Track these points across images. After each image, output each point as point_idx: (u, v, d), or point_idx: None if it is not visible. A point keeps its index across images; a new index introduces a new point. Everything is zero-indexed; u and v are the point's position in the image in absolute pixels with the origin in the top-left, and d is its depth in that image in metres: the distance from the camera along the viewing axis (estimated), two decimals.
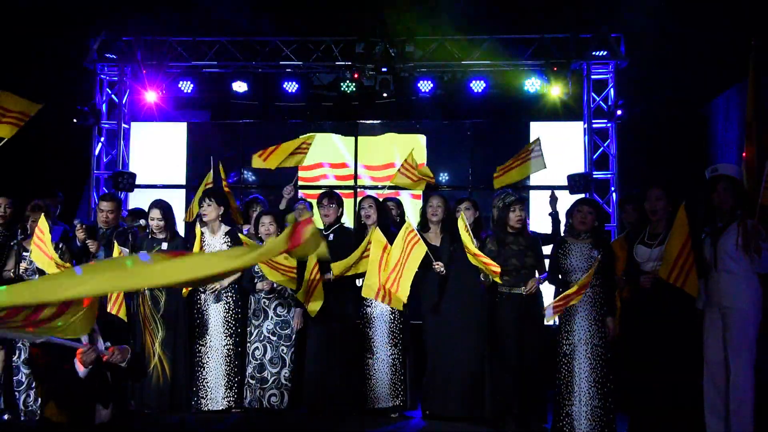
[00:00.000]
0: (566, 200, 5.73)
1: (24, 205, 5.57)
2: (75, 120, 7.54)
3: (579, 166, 7.76)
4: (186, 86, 7.89)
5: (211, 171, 6.46)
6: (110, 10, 7.47)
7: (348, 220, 5.80)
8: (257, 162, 6.14)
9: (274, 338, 5.41)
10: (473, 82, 7.71)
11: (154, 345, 5.33)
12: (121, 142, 8.00)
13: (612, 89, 7.73)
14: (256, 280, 5.44)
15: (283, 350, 5.42)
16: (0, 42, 7.00)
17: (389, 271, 4.92)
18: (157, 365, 4.67)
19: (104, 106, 8.03)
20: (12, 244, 5.30)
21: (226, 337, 5.44)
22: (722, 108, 7.20)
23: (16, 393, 5.20)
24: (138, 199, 7.70)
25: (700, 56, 6.94)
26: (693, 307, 4.51)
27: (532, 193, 7.88)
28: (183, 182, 8.20)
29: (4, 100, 5.60)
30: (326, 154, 8.33)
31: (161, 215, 5.46)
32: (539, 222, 6.39)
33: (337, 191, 5.89)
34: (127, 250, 5.05)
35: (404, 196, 7.73)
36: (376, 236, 5.04)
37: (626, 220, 5.61)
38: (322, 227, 5.75)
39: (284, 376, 5.40)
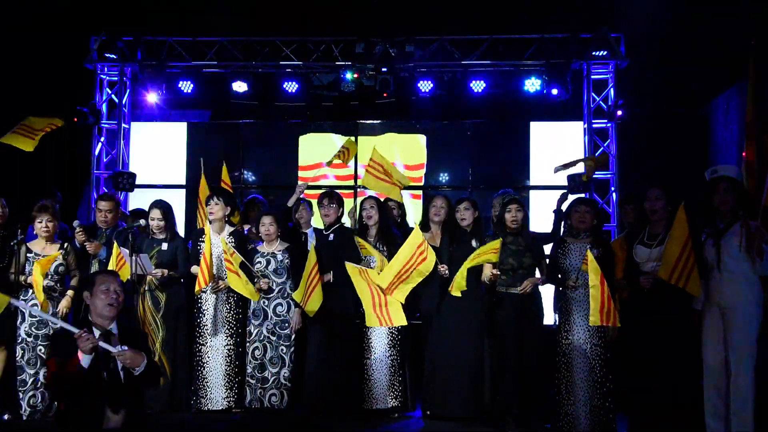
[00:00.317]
0: (566, 200, 5.73)
1: (23, 204, 5.56)
2: (75, 120, 7.53)
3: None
4: (186, 86, 7.88)
5: (203, 174, 6.33)
6: (110, 10, 7.47)
7: (348, 220, 5.78)
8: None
9: (274, 338, 5.42)
10: (473, 82, 7.70)
11: (155, 345, 5.36)
12: (121, 142, 7.99)
13: (612, 89, 7.72)
14: (255, 280, 5.44)
15: (282, 350, 5.42)
16: (0, 42, 7.00)
17: (391, 277, 4.83)
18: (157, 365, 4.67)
19: (104, 106, 8.01)
20: (12, 244, 5.30)
21: (227, 337, 5.44)
22: (722, 108, 7.21)
23: (19, 393, 5.20)
24: (138, 199, 7.69)
25: (700, 56, 6.94)
26: (692, 307, 4.52)
27: (532, 193, 7.88)
28: (183, 182, 8.20)
29: (31, 122, 5.77)
30: (326, 154, 8.31)
31: (161, 215, 5.47)
32: (539, 222, 6.38)
33: (337, 191, 5.88)
34: (127, 251, 5.05)
35: (404, 196, 7.73)
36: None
37: (626, 220, 5.61)
38: (319, 227, 5.76)
39: (284, 375, 5.40)
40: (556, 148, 7.92)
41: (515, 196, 5.13)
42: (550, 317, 5.27)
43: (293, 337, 5.45)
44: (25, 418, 5.18)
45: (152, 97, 7.74)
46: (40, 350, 5.23)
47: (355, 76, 7.50)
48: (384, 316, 4.84)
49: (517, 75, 7.74)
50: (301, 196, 5.89)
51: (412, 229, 5.50)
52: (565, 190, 5.91)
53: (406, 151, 8.21)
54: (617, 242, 5.43)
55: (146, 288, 5.45)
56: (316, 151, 8.28)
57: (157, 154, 8.22)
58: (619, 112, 7.53)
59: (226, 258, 5.22)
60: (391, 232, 5.35)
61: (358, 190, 8.12)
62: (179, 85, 7.87)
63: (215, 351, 5.44)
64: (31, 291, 5.24)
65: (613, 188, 7.74)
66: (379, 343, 5.33)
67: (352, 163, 8.24)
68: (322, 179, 8.13)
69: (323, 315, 5.25)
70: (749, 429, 4.21)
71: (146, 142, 8.23)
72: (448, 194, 5.76)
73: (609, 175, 7.80)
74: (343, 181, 8.17)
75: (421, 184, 8.16)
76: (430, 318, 5.27)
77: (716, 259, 4.37)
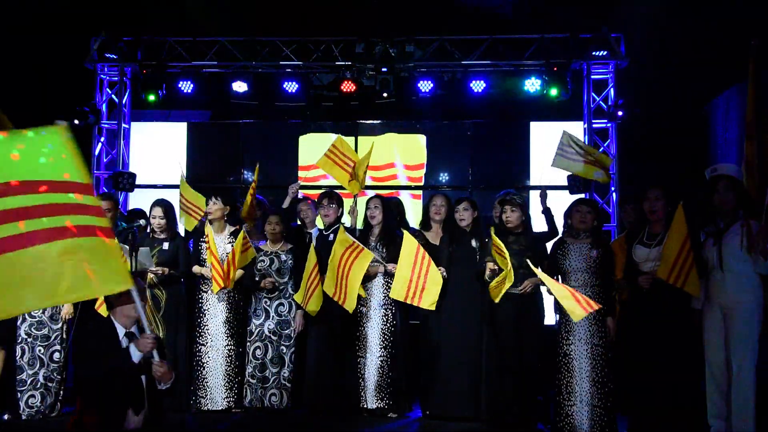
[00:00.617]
0: (566, 200, 5.73)
1: None
2: (75, 120, 7.53)
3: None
4: (186, 86, 7.88)
5: (257, 169, 6.27)
6: (110, 10, 7.47)
7: (348, 220, 5.78)
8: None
9: (275, 338, 5.42)
10: (473, 82, 7.70)
11: None
12: (121, 142, 8.00)
13: (612, 89, 7.72)
14: (257, 278, 5.45)
15: (283, 350, 5.42)
16: (0, 42, 7.00)
17: (335, 280, 4.96)
18: None
19: (104, 106, 8.02)
20: None
21: (228, 337, 5.44)
22: (722, 108, 7.20)
23: (18, 393, 5.20)
24: (138, 199, 7.70)
25: (700, 56, 6.93)
26: (692, 307, 4.52)
27: (532, 193, 7.87)
28: None
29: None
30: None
31: (163, 214, 5.47)
32: (540, 222, 6.38)
33: (337, 191, 5.88)
34: (127, 247, 5.06)
35: (404, 196, 7.74)
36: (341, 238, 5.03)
37: (626, 220, 5.61)
38: (322, 227, 5.76)
39: (284, 375, 5.40)
40: (556, 148, 7.91)
41: (506, 197, 5.07)
42: (550, 317, 5.27)
43: (294, 337, 5.45)
44: (24, 418, 5.18)
45: (152, 97, 7.73)
46: (40, 350, 5.24)
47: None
48: (416, 296, 4.87)
49: (517, 75, 7.74)
50: (301, 196, 5.88)
51: (413, 229, 5.51)
52: (543, 189, 5.84)
53: (406, 151, 8.21)
54: (617, 242, 5.44)
55: (146, 286, 5.44)
56: (316, 151, 8.22)
57: (157, 154, 8.22)
58: (620, 113, 7.54)
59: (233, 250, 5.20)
60: (394, 232, 5.35)
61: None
62: (179, 85, 7.87)
63: (215, 351, 5.44)
64: None
65: (613, 188, 7.74)
66: (373, 343, 5.32)
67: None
68: (322, 179, 8.13)
69: (323, 315, 5.25)
70: (750, 429, 4.21)
71: (146, 142, 8.23)
72: (448, 194, 5.75)
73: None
74: None
75: (421, 184, 8.16)
76: (430, 318, 5.26)
77: (717, 258, 4.37)
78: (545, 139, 8.01)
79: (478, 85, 7.71)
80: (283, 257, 5.48)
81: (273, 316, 5.44)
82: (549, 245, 5.16)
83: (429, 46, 7.69)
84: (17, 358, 5.24)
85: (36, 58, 7.32)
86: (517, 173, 8.08)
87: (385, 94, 7.72)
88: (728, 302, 4.34)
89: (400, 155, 8.16)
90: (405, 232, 4.99)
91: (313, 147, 8.30)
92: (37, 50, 7.29)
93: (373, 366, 5.30)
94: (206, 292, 5.47)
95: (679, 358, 4.45)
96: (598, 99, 7.80)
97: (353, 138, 8.25)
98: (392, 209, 5.60)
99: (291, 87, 7.87)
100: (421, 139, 8.26)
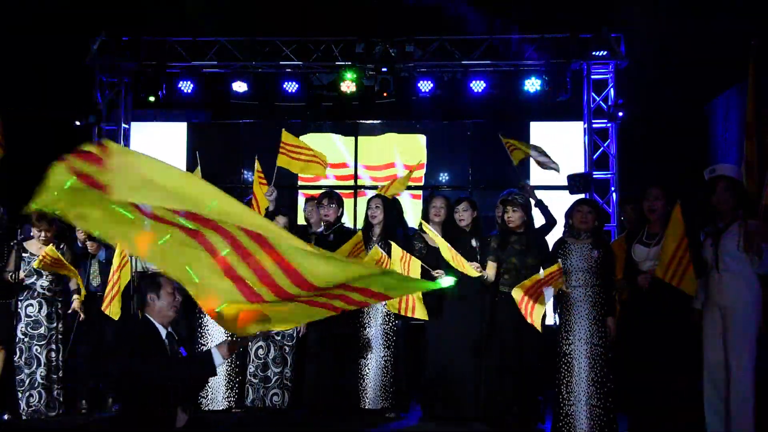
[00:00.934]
0: (566, 200, 5.73)
1: (23, 204, 5.54)
2: (75, 120, 7.54)
3: (579, 166, 7.76)
4: (186, 86, 7.88)
5: (198, 168, 6.31)
6: (110, 10, 7.47)
7: (348, 220, 5.78)
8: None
9: (278, 337, 5.42)
10: (473, 82, 7.70)
11: None
12: (121, 142, 7.99)
13: (612, 89, 7.73)
14: None
15: (285, 350, 5.43)
16: (0, 42, 7.00)
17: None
18: None
19: (104, 106, 8.02)
20: (12, 244, 5.30)
21: (226, 337, 5.43)
22: (722, 108, 7.20)
23: (18, 393, 5.20)
24: None
25: (700, 56, 6.93)
26: (692, 307, 4.52)
27: None
28: None
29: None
30: (326, 154, 8.30)
31: None
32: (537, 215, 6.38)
33: (337, 191, 5.88)
34: None
35: (404, 196, 7.73)
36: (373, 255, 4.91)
37: (626, 220, 5.61)
38: (322, 228, 5.76)
39: (286, 375, 5.41)
40: (556, 148, 7.91)
41: (508, 197, 5.07)
42: (550, 317, 5.27)
43: (296, 337, 5.45)
44: (24, 417, 5.18)
45: (152, 97, 7.74)
46: (36, 350, 5.24)
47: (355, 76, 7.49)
48: (409, 307, 4.80)
49: (517, 75, 7.74)
50: (301, 196, 5.88)
51: (412, 229, 5.52)
52: (522, 182, 5.80)
53: (406, 151, 8.21)
54: (617, 242, 5.43)
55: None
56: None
57: (157, 154, 8.19)
58: (620, 113, 7.54)
59: None
60: (395, 232, 5.35)
61: (358, 190, 8.12)
62: (179, 85, 7.87)
63: None
64: (26, 292, 5.26)
65: (613, 188, 7.75)
66: (375, 343, 5.32)
67: (352, 162, 8.26)
68: (321, 179, 8.13)
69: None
70: (749, 428, 4.21)
71: (146, 142, 8.23)
72: (447, 194, 5.75)
73: (609, 175, 7.80)
74: (343, 181, 8.17)
75: (421, 184, 8.17)
76: (430, 318, 5.26)
77: (714, 258, 4.37)
78: (545, 139, 8.00)
79: (478, 85, 7.71)
80: None
81: None
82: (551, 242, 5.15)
83: (429, 46, 7.69)
84: (15, 358, 5.24)
85: (36, 58, 7.32)
86: (517, 173, 8.07)
87: (385, 94, 7.72)
88: (726, 302, 4.34)
89: (400, 155, 8.16)
90: (393, 244, 4.85)
91: (313, 147, 8.28)
92: (37, 50, 7.29)
93: (376, 366, 5.30)
94: None
95: (678, 358, 4.44)
96: (598, 99, 7.81)
97: (353, 138, 8.26)
98: (393, 209, 5.60)
99: (291, 87, 7.88)
100: (421, 139, 8.27)
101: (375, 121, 8.30)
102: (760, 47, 5.28)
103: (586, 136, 7.80)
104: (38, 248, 5.31)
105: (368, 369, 5.31)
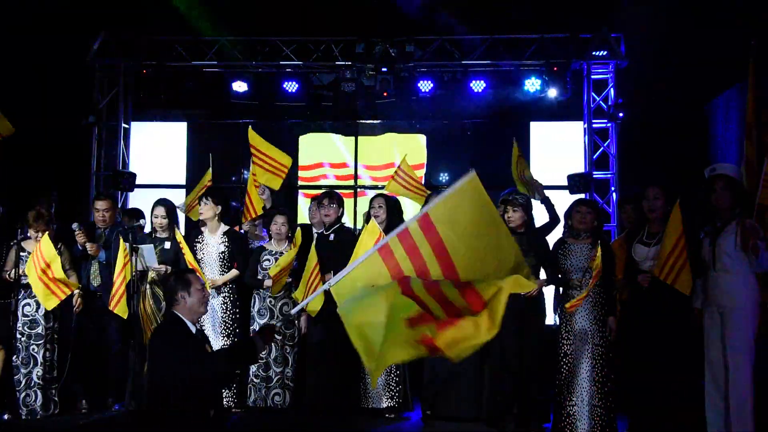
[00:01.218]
0: (566, 200, 5.72)
1: (23, 204, 5.55)
2: (75, 120, 7.53)
3: (579, 166, 7.76)
4: (186, 86, 7.88)
5: (210, 169, 6.44)
6: (110, 10, 7.47)
7: (348, 220, 5.79)
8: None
9: (279, 337, 5.41)
10: (473, 82, 7.70)
11: None
12: (121, 142, 7.99)
13: (612, 89, 7.73)
14: (260, 276, 5.44)
15: (287, 350, 5.43)
16: (1, 42, 6.99)
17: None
18: None
19: (104, 106, 8.02)
20: (12, 244, 5.30)
21: (224, 338, 5.42)
22: (722, 108, 7.20)
23: (17, 392, 5.19)
24: (138, 199, 7.70)
25: (700, 56, 6.93)
26: (692, 306, 4.52)
27: None
28: (183, 182, 8.20)
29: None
30: (326, 154, 8.34)
31: (165, 213, 5.48)
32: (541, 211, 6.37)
33: (337, 191, 5.88)
34: (127, 244, 5.07)
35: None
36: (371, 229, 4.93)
37: (626, 220, 5.60)
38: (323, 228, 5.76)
39: (288, 375, 5.41)
40: (556, 148, 7.92)
41: (509, 197, 5.06)
42: (550, 317, 5.27)
43: (297, 337, 5.45)
44: (23, 417, 5.18)
45: (152, 97, 7.74)
46: (33, 349, 5.24)
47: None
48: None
49: (517, 75, 7.74)
50: (301, 196, 5.88)
51: None
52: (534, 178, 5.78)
53: (406, 151, 8.19)
54: (617, 242, 5.44)
55: (147, 284, 5.43)
56: (316, 151, 8.29)
57: (157, 154, 8.22)
58: (620, 113, 7.54)
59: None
60: None
61: (358, 190, 8.12)
62: (179, 85, 7.87)
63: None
64: (24, 291, 5.26)
65: (613, 188, 7.75)
66: None
67: (352, 162, 8.26)
68: (322, 179, 8.14)
69: (324, 314, 5.24)
70: (749, 427, 4.21)
71: (146, 142, 8.24)
72: None
73: (609, 175, 7.80)
74: (343, 181, 8.17)
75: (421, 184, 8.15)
76: None
77: (712, 258, 4.37)
78: (545, 139, 8.02)
79: (478, 85, 7.71)
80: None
81: (277, 316, 5.45)
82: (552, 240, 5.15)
83: (429, 46, 7.69)
84: (14, 358, 5.23)
85: (36, 58, 7.31)
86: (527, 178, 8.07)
87: (385, 94, 7.72)
88: (723, 301, 4.34)
89: (400, 155, 8.15)
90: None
91: (313, 147, 8.31)
92: (37, 50, 7.28)
93: None
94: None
95: (679, 358, 4.45)
96: (598, 99, 7.81)
97: (353, 138, 8.26)
98: (395, 208, 5.60)
99: (291, 87, 7.88)
100: (421, 139, 8.27)
101: (375, 121, 8.30)
102: (760, 47, 5.29)
103: (586, 136, 7.80)
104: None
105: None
